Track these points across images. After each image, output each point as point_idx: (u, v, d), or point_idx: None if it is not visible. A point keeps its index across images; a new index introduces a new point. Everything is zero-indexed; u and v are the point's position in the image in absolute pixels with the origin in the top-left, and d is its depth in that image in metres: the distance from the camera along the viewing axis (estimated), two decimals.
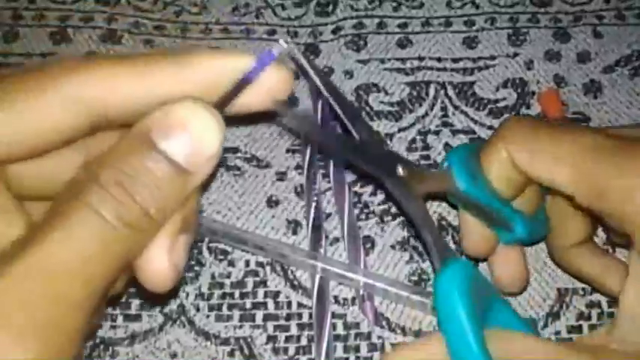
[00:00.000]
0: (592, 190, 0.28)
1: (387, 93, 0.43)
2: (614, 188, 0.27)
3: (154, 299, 0.36)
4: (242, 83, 0.22)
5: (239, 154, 0.40)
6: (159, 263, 0.21)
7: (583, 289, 0.36)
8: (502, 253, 0.34)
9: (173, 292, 0.36)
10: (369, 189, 0.39)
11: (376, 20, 0.46)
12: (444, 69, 0.44)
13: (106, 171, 0.20)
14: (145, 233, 0.21)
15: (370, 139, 0.31)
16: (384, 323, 0.36)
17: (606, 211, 0.28)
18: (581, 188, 0.28)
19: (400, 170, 0.30)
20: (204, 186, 0.22)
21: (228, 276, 0.37)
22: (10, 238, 0.20)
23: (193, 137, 0.20)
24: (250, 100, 0.23)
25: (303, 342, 0.35)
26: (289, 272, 0.37)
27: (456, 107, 0.42)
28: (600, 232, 0.37)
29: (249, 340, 0.35)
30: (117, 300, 0.35)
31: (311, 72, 0.28)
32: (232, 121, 0.22)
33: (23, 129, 0.21)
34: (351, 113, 0.31)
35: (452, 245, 0.38)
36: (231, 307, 0.36)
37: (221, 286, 0.37)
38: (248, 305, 0.36)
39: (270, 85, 0.23)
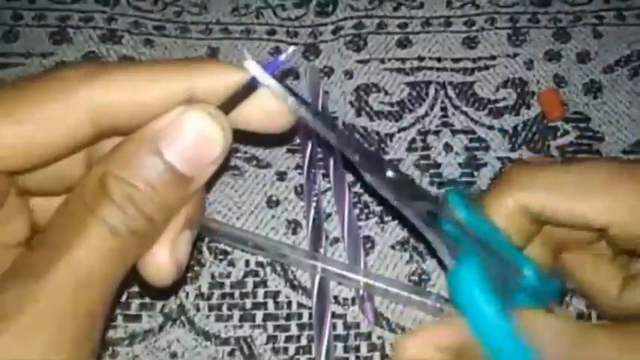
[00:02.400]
0: (634, 216, 0.25)
1: (387, 93, 0.43)
2: None
3: (155, 295, 0.36)
4: (247, 89, 0.23)
5: (239, 154, 0.40)
6: (161, 259, 0.22)
7: None
8: None
9: (174, 288, 0.36)
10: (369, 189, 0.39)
11: (376, 20, 0.46)
12: (444, 69, 0.44)
13: (116, 185, 0.21)
14: (150, 238, 0.22)
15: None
16: (384, 323, 0.36)
17: None
18: (619, 216, 0.25)
19: (389, 173, 0.28)
20: (209, 185, 0.23)
21: (228, 276, 0.37)
22: (15, 237, 0.21)
23: (196, 143, 0.21)
24: (249, 118, 0.23)
25: (303, 342, 0.35)
26: (289, 272, 0.37)
27: (456, 107, 0.42)
28: None
29: (249, 340, 0.35)
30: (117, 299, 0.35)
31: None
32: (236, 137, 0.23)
33: (35, 140, 0.21)
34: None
35: None
36: (231, 307, 0.36)
37: (221, 286, 0.37)
38: (248, 305, 0.36)
39: (270, 109, 0.24)
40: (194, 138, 0.21)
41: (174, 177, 0.21)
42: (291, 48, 0.24)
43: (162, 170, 0.21)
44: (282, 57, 0.24)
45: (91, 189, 0.21)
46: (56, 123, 0.21)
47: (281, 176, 0.40)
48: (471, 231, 0.28)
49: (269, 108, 0.24)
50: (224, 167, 0.23)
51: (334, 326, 0.35)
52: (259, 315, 0.36)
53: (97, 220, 0.20)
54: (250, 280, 0.37)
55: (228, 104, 0.23)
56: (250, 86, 0.23)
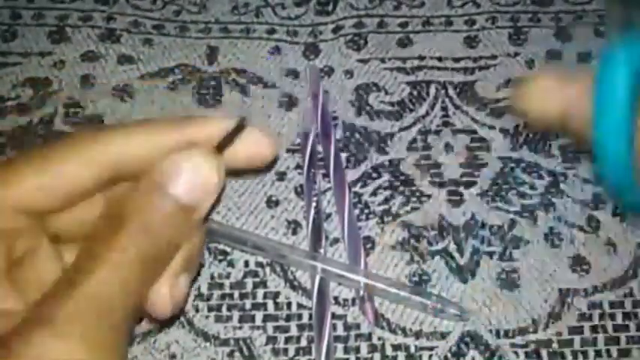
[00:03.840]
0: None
1: (387, 92, 0.43)
2: None
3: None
4: (234, 132, 0.26)
5: None
6: (161, 296, 0.26)
7: (584, 289, 0.36)
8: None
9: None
10: (369, 189, 0.39)
11: (376, 19, 0.45)
12: (445, 68, 0.43)
13: (129, 217, 0.24)
14: (162, 262, 0.25)
15: None
16: (384, 324, 0.35)
17: None
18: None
19: None
20: (206, 218, 0.26)
21: (228, 276, 0.37)
22: (51, 277, 0.24)
23: (194, 176, 0.25)
24: (235, 158, 0.27)
25: (303, 343, 0.35)
26: (289, 273, 0.37)
27: (456, 107, 0.42)
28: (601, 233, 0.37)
29: (248, 340, 0.35)
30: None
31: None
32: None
33: (58, 189, 0.26)
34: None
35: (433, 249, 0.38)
36: (230, 307, 0.36)
37: (220, 286, 0.36)
38: (248, 306, 0.36)
39: (254, 147, 0.27)
40: (190, 170, 0.25)
41: (179, 207, 0.25)
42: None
43: (167, 202, 0.25)
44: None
45: (106, 223, 0.25)
46: (69, 174, 0.26)
47: (281, 176, 0.40)
48: None
49: (252, 146, 0.27)
50: (218, 201, 0.27)
51: (334, 327, 0.35)
52: (259, 316, 0.36)
53: (114, 245, 0.24)
54: (250, 281, 0.37)
55: (222, 146, 0.26)
56: (238, 128, 0.27)
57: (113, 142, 0.26)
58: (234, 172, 0.28)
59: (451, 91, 0.42)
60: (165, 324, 0.36)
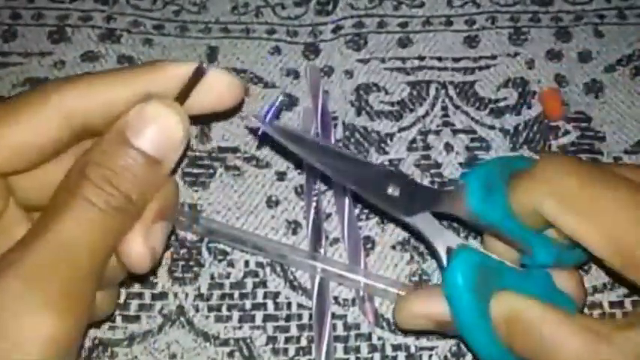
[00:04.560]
0: (625, 260, 0.26)
1: (387, 92, 0.43)
2: None
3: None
4: (195, 78, 0.27)
5: (239, 154, 0.40)
6: (136, 246, 0.26)
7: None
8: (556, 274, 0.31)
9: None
10: None
11: (376, 19, 0.45)
12: (445, 68, 0.43)
13: (93, 168, 0.24)
14: (130, 215, 0.25)
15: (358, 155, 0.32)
16: (384, 324, 0.35)
17: None
18: (613, 256, 0.26)
19: (390, 190, 0.31)
20: (174, 171, 0.26)
21: (228, 276, 0.37)
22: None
23: (160, 130, 0.25)
24: (202, 102, 0.27)
25: (303, 343, 0.35)
26: (289, 273, 0.37)
27: (456, 107, 0.42)
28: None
29: (248, 341, 0.35)
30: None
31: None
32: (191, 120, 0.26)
33: (23, 142, 0.25)
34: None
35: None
36: (230, 307, 0.36)
37: (220, 286, 0.36)
38: (248, 306, 0.36)
39: (219, 89, 0.28)
40: (155, 124, 0.25)
41: (145, 160, 0.25)
42: (280, 96, 0.29)
43: (133, 155, 0.25)
44: (277, 103, 0.29)
45: (71, 177, 0.25)
46: (34, 126, 0.25)
47: (281, 176, 0.40)
48: (484, 220, 0.29)
49: (218, 89, 0.28)
50: (185, 154, 0.28)
51: (334, 327, 0.35)
52: (259, 316, 0.36)
53: (78, 197, 0.24)
54: (250, 281, 0.37)
55: (183, 94, 0.27)
56: (198, 73, 0.27)
57: (75, 93, 0.26)
58: (205, 117, 0.28)
59: (451, 91, 0.42)
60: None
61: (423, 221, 0.31)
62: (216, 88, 0.27)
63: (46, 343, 0.22)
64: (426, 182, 0.39)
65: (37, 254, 0.23)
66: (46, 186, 0.26)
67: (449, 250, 0.30)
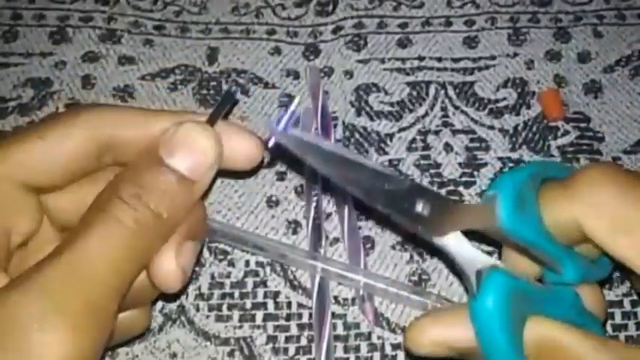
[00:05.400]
0: None
1: (387, 93, 0.43)
2: None
3: (166, 298, 0.36)
4: (224, 101, 0.27)
5: None
6: (168, 266, 0.25)
7: None
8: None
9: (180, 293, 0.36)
10: None
11: (376, 20, 0.46)
12: (444, 69, 0.44)
13: (124, 186, 0.24)
14: (160, 234, 0.25)
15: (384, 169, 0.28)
16: (384, 323, 0.36)
17: None
18: None
19: (419, 207, 0.27)
20: (204, 195, 0.26)
21: (228, 276, 0.37)
22: None
23: (193, 150, 0.25)
24: (226, 159, 0.27)
25: (303, 342, 0.35)
26: (289, 272, 0.37)
27: (456, 107, 0.42)
28: None
29: (249, 340, 0.35)
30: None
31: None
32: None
33: (48, 157, 0.25)
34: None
35: None
36: (231, 307, 0.36)
37: (221, 286, 0.36)
38: (248, 305, 0.36)
39: (242, 151, 0.28)
40: (189, 144, 0.25)
41: (177, 179, 0.25)
42: (297, 99, 0.28)
43: (165, 173, 0.24)
44: (292, 107, 0.27)
45: (103, 195, 0.24)
46: (62, 140, 0.25)
47: (281, 176, 0.40)
48: (513, 236, 0.27)
49: (249, 148, 0.28)
50: (215, 179, 0.27)
51: (334, 326, 0.35)
52: (259, 315, 0.36)
53: (105, 214, 0.23)
54: (250, 281, 0.37)
55: (213, 117, 0.27)
56: (228, 97, 0.27)
57: (110, 117, 0.26)
58: (223, 173, 0.28)
59: (451, 92, 0.43)
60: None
61: (454, 242, 0.28)
62: (239, 144, 0.28)
63: None
64: (425, 182, 0.39)
65: (55, 270, 0.22)
66: (81, 207, 0.25)
67: (478, 274, 0.26)
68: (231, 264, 0.37)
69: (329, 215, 0.38)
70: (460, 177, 0.40)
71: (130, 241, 0.23)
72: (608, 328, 0.35)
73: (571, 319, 0.26)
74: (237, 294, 0.36)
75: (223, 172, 0.28)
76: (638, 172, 0.37)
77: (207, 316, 0.36)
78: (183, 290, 0.34)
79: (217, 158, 0.26)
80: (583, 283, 0.29)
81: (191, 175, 0.25)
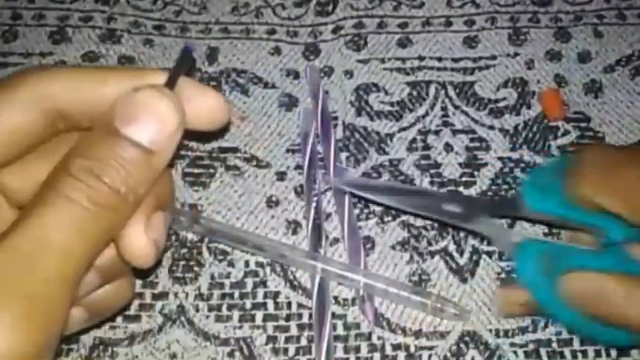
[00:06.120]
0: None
1: (387, 93, 0.43)
2: None
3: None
4: (182, 60, 0.25)
5: (239, 154, 0.40)
6: (136, 239, 0.23)
7: None
8: None
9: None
10: None
11: (376, 20, 0.46)
12: (445, 69, 0.43)
13: (75, 161, 0.22)
14: (120, 211, 0.23)
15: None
16: (384, 324, 0.35)
17: None
18: (633, 216, 0.32)
19: (450, 207, 0.35)
20: (170, 164, 0.24)
21: (228, 276, 0.37)
22: None
23: (153, 120, 0.23)
24: (190, 120, 0.25)
25: (303, 342, 0.35)
26: (289, 272, 0.37)
27: (456, 107, 0.42)
28: None
29: (248, 340, 0.35)
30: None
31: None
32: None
33: (1, 135, 0.23)
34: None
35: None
36: (230, 307, 0.36)
37: (221, 286, 0.36)
38: (248, 306, 0.36)
39: (207, 110, 0.25)
40: (147, 112, 0.23)
41: (135, 150, 0.22)
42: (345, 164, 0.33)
43: (121, 145, 0.22)
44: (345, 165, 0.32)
45: (54, 172, 0.22)
46: (7, 115, 0.23)
47: (281, 176, 0.40)
48: (543, 213, 0.35)
49: (213, 107, 0.25)
50: (180, 149, 0.24)
51: (334, 327, 0.35)
52: (259, 315, 0.36)
53: (55, 192, 0.21)
54: (250, 281, 0.37)
55: (172, 79, 0.24)
56: (185, 55, 0.25)
57: (60, 80, 0.24)
58: (188, 135, 0.26)
59: (451, 92, 0.43)
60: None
61: (485, 224, 0.35)
62: (202, 104, 0.25)
63: None
64: (425, 182, 0.39)
65: (3, 253, 0.20)
66: (37, 184, 0.23)
67: (515, 246, 0.34)
68: (231, 264, 0.37)
69: (329, 215, 0.38)
70: (460, 177, 0.40)
71: (84, 222, 0.21)
72: None
73: (613, 268, 0.32)
74: (237, 294, 0.36)
75: (188, 134, 0.26)
76: (621, 149, 0.40)
77: (207, 317, 0.36)
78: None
79: (180, 125, 0.23)
80: (634, 242, 0.34)
81: (151, 145, 0.22)
